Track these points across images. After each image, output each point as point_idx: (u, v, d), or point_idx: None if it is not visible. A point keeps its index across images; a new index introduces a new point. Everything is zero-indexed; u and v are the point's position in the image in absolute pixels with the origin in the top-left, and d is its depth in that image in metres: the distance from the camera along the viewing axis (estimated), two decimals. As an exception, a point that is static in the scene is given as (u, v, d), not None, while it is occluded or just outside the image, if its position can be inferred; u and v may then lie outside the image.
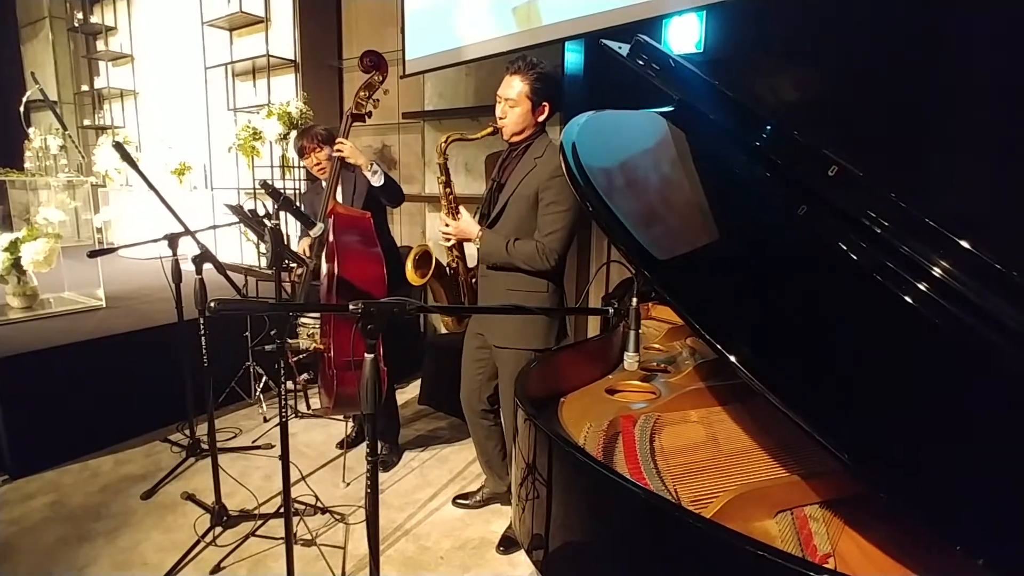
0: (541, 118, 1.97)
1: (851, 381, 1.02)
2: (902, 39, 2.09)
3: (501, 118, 1.96)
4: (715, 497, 1.04)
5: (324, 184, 2.71)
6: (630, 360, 1.44)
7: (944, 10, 1.99)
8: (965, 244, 1.10)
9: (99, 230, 5.33)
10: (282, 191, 1.90)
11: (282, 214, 2.04)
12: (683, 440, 1.30)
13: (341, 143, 2.51)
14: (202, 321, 2.21)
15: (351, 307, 1.20)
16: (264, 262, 3.11)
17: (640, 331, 1.47)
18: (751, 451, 1.24)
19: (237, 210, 2.01)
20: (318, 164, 2.74)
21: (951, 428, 0.98)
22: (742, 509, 1.00)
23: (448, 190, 2.11)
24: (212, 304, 1.09)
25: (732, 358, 0.91)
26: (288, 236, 4.10)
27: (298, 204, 2.64)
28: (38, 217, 3.52)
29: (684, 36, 2.68)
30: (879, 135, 2.09)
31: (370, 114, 2.64)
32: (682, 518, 0.88)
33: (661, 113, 1.70)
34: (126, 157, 1.88)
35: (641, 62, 1.70)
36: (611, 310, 1.42)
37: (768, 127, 1.47)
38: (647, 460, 1.17)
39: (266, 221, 1.79)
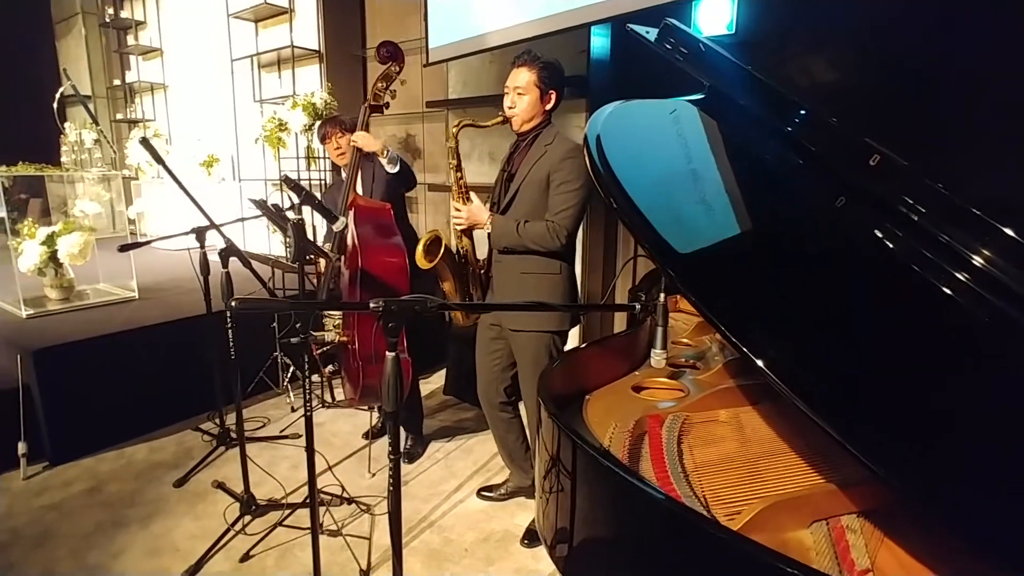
0: (548, 106, 2.03)
1: (892, 388, 0.96)
2: (950, 17, 1.97)
3: (511, 108, 2.02)
4: (747, 505, 1.00)
5: (344, 175, 2.73)
6: (657, 358, 1.40)
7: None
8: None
9: (132, 221, 5.47)
10: (304, 186, 1.89)
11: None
12: (713, 442, 1.26)
13: (356, 135, 2.53)
14: (229, 314, 2.23)
15: (371, 305, 1.18)
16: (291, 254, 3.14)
17: (668, 326, 1.43)
18: (784, 455, 1.19)
19: (261, 205, 2.02)
20: (338, 149, 2.82)
21: (1003, 435, 0.92)
22: (775, 518, 0.96)
23: (459, 175, 2.14)
24: (232, 302, 1.09)
25: (760, 362, 0.86)
26: (315, 228, 4.14)
27: (321, 198, 2.65)
28: (75, 209, 3.62)
29: (715, 17, 2.58)
30: (923, 121, 1.98)
31: (387, 105, 2.65)
32: (711, 532, 0.84)
33: (691, 101, 1.64)
34: (153, 153, 1.90)
35: (669, 47, 1.63)
36: (637, 307, 1.37)
37: (804, 113, 1.40)
38: (675, 464, 1.13)
39: (289, 214, 1.79)
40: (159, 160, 1.91)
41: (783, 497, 0.99)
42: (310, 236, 4.32)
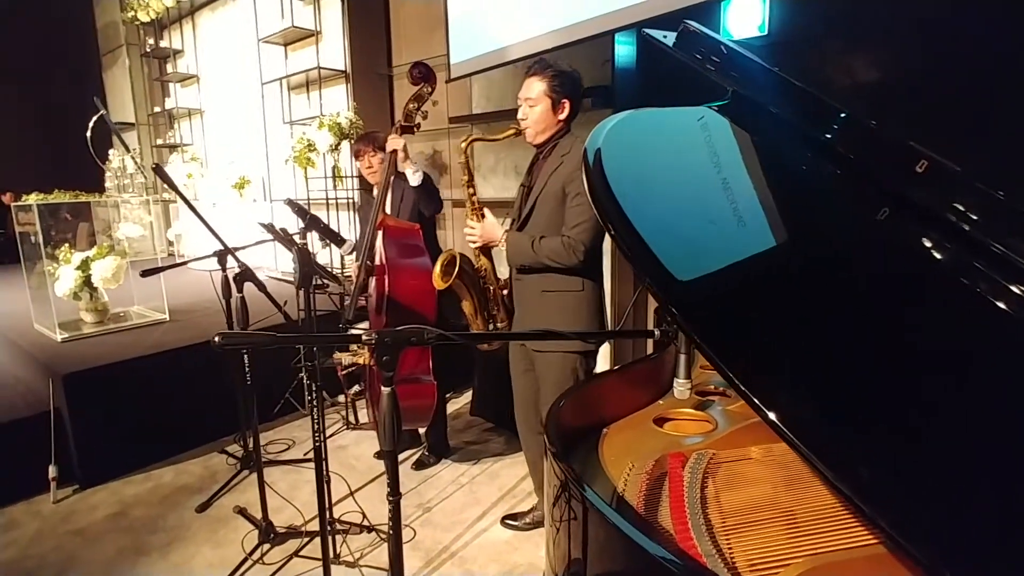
0: (562, 115, 1.93)
1: (941, 439, 0.82)
2: (990, 13, 1.80)
3: (523, 119, 1.94)
4: (781, 567, 0.87)
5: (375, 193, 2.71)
6: (680, 388, 1.28)
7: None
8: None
9: (171, 243, 5.62)
10: (307, 209, 1.85)
11: (347, 221, 2.01)
12: (743, 487, 1.12)
13: (394, 138, 2.50)
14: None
15: (364, 338, 1.11)
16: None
17: (693, 352, 1.31)
18: (826, 504, 1.04)
19: (270, 228, 1.99)
20: (370, 168, 2.81)
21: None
22: (814, 585, 0.82)
23: (471, 191, 2.09)
24: (216, 339, 1.03)
25: (772, 416, 0.73)
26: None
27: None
28: (118, 233, 3.71)
29: (745, 19, 2.45)
30: (967, 122, 1.81)
31: (419, 126, 2.64)
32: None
33: (715, 107, 1.52)
34: (166, 180, 1.90)
35: (694, 52, 1.52)
36: (657, 333, 1.25)
37: (842, 117, 1.26)
38: (696, 513, 1.00)
39: (298, 238, 1.74)
40: (172, 187, 1.91)
41: (825, 560, 0.85)
42: (336, 255, 4.34)
